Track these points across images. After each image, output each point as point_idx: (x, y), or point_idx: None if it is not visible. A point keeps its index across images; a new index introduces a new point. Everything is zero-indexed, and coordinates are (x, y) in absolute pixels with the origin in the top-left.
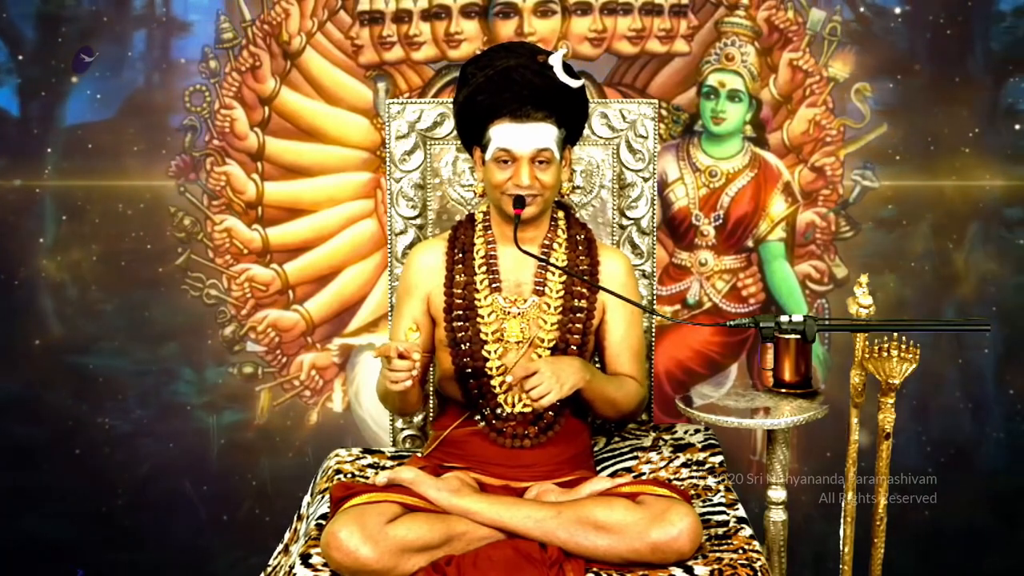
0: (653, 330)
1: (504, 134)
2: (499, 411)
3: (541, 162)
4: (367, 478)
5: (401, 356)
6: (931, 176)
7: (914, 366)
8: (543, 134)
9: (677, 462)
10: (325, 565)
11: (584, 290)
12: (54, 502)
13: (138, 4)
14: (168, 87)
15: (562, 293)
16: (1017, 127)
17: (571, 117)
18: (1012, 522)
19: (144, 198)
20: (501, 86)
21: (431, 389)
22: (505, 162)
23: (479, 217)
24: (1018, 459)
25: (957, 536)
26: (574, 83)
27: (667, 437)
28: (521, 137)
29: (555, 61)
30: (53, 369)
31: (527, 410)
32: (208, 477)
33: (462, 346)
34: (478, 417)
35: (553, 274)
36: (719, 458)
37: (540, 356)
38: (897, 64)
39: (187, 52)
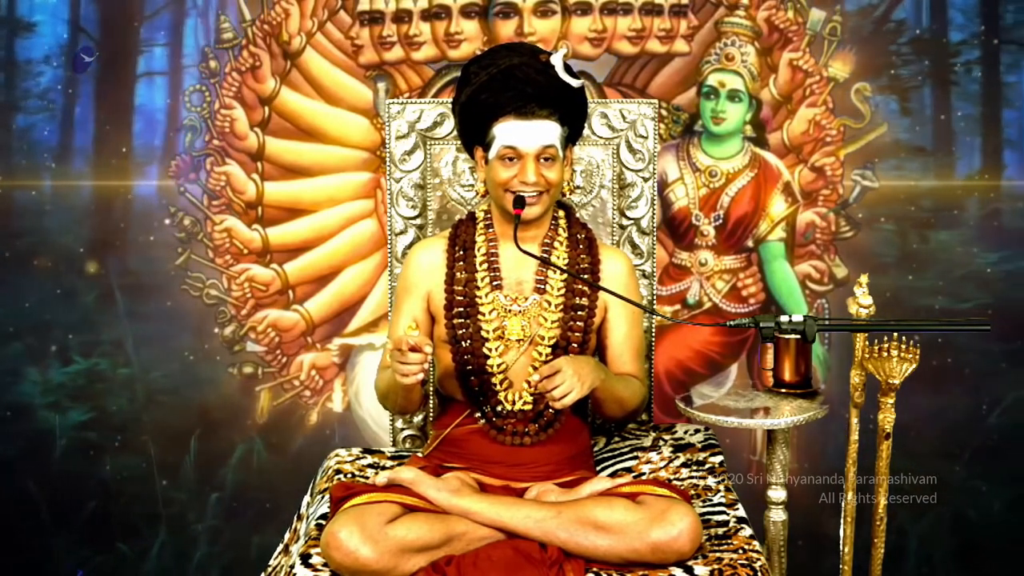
0: (653, 330)
1: (509, 131)
2: (499, 408)
3: (546, 159)
4: (367, 478)
5: (413, 349)
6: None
7: (914, 366)
8: (548, 131)
9: (677, 462)
10: (325, 565)
11: (585, 289)
12: None
13: None
14: (12, 88)
15: (563, 291)
16: None
17: (572, 116)
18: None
19: None
20: (504, 84)
21: (431, 388)
22: (511, 160)
23: (480, 215)
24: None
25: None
26: (575, 82)
27: (667, 437)
28: (526, 134)
29: (556, 60)
30: None
31: (527, 407)
32: (51, 476)
33: (463, 343)
34: (478, 415)
35: (554, 272)
36: (719, 458)
37: (541, 355)
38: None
39: (32, 52)
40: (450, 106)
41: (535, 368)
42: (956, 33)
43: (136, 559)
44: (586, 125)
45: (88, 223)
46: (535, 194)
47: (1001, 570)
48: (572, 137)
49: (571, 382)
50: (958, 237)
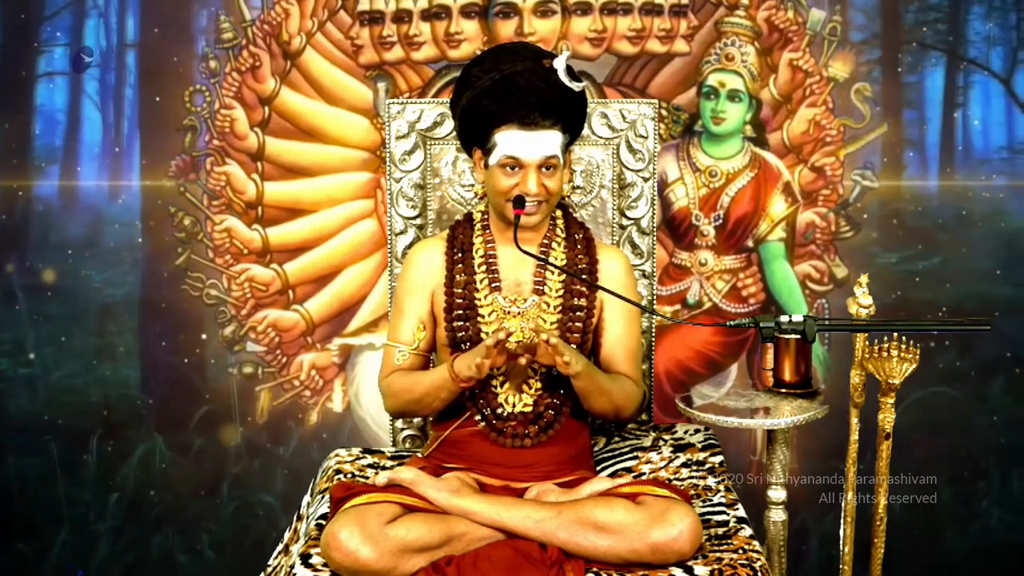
0: (653, 330)
1: (512, 141)
2: (499, 411)
3: (548, 168)
4: (367, 478)
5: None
6: None
7: (914, 366)
8: (551, 141)
9: (677, 462)
10: (325, 565)
11: (584, 289)
12: None
13: None
14: None
15: (562, 292)
16: None
17: (574, 121)
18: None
19: None
20: (507, 92)
21: None
22: (512, 168)
23: (477, 216)
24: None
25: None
26: (576, 86)
27: (667, 437)
28: (530, 145)
29: (559, 65)
30: None
31: (527, 409)
32: None
33: (463, 346)
34: (478, 417)
35: (552, 273)
36: (719, 458)
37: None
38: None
39: None
40: (448, 105)
41: (535, 371)
42: (856, 33)
43: (36, 559)
44: (586, 125)
45: None
46: (535, 203)
47: (901, 569)
48: (572, 140)
49: (571, 353)
50: (859, 237)
